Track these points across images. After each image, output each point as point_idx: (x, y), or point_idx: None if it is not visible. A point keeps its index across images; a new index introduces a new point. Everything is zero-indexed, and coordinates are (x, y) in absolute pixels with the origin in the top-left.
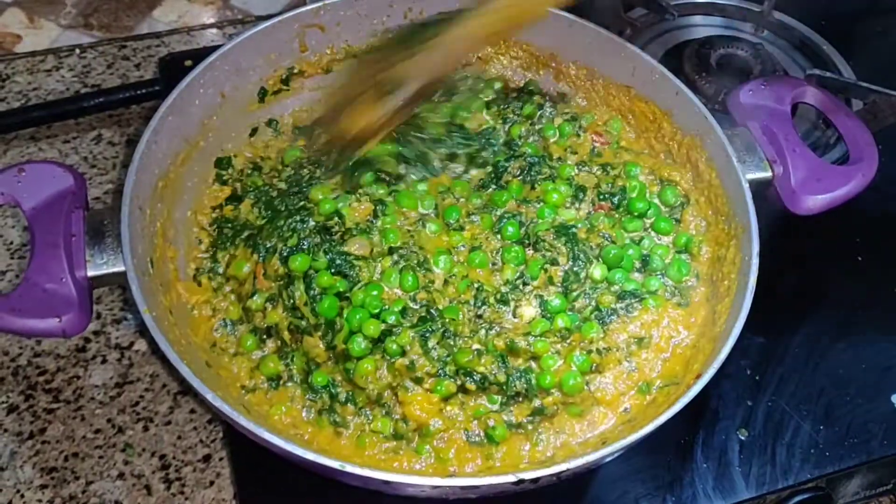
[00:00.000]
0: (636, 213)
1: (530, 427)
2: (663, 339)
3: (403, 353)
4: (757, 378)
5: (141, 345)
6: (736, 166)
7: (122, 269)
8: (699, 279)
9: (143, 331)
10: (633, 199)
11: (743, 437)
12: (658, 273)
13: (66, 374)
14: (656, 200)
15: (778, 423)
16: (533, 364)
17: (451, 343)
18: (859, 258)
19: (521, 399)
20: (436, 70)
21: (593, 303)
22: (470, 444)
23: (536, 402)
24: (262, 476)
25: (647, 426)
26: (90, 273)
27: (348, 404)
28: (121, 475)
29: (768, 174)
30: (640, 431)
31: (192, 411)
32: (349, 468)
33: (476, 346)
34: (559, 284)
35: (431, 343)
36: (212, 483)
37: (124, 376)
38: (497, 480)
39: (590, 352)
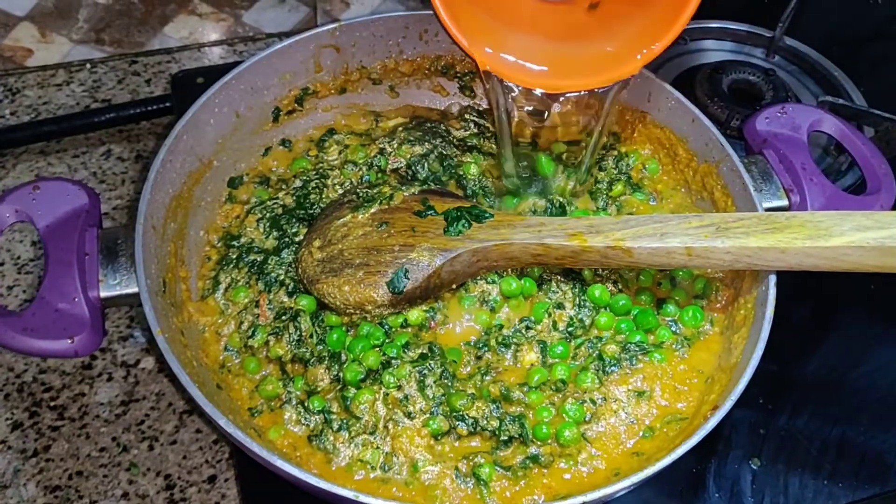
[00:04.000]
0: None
1: (520, 473)
2: (666, 391)
3: (399, 387)
4: (770, 407)
5: (147, 363)
6: (753, 195)
7: (135, 289)
8: (713, 325)
9: (149, 349)
10: None
11: (755, 467)
12: (670, 321)
13: (71, 391)
14: None
15: (791, 453)
16: (527, 412)
17: (448, 384)
18: (871, 286)
19: (514, 444)
20: (460, 272)
21: (596, 352)
22: (458, 483)
23: (532, 450)
24: (269, 497)
25: (665, 458)
26: (103, 293)
27: (341, 432)
28: (125, 495)
29: (785, 203)
30: (658, 464)
31: (198, 431)
32: (363, 498)
33: (471, 390)
34: (563, 330)
35: (429, 381)
36: None
37: (130, 394)
38: None
39: (583, 402)
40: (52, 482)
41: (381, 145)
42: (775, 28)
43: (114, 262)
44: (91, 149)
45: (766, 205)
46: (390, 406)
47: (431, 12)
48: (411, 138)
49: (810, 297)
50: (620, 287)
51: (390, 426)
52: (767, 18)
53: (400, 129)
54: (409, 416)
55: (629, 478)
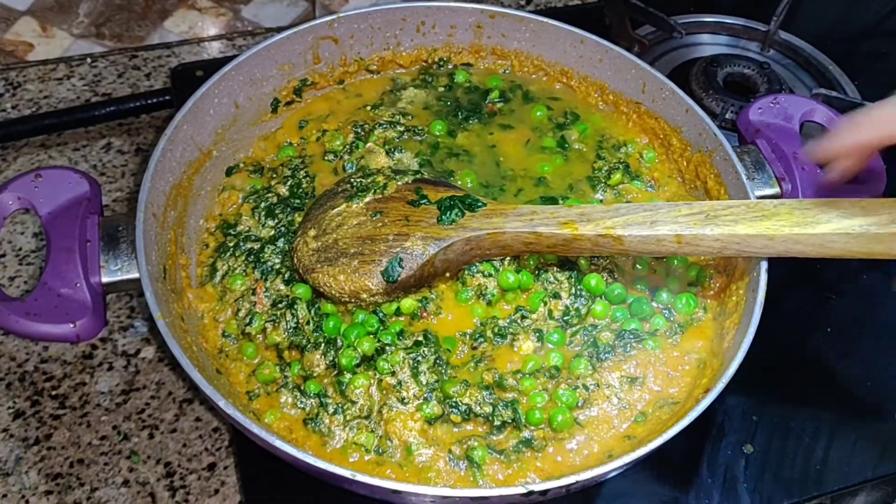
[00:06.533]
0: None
1: (514, 456)
2: (659, 377)
3: (393, 373)
4: (763, 394)
5: (147, 352)
6: (745, 183)
7: (136, 275)
8: (706, 311)
9: (149, 338)
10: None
11: (748, 453)
12: (664, 308)
13: (72, 380)
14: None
15: (783, 439)
16: (520, 398)
17: (442, 371)
18: (864, 276)
19: (507, 428)
20: (456, 261)
21: (591, 339)
22: (451, 466)
23: (526, 433)
24: (268, 483)
25: (657, 440)
26: (104, 279)
27: (336, 415)
28: (126, 482)
29: (777, 191)
30: (650, 445)
31: (198, 419)
32: (360, 477)
33: (465, 377)
34: (559, 319)
35: (422, 367)
36: (216, 491)
37: (130, 383)
38: (507, 491)
39: (576, 388)
40: (53, 470)
41: (356, 129)
42: (770, 22)
43: (115, 249)
44: (91, 142)
45: (758, 193)
46: (384, 391)
47: (429, 4)
48: (382, 121)
49: (804, 284)
50: (616, 276)
51: (384, 411)
52: (762, 12)
53: (368, 107)
54: (402, 401)
55: (621, 458)
